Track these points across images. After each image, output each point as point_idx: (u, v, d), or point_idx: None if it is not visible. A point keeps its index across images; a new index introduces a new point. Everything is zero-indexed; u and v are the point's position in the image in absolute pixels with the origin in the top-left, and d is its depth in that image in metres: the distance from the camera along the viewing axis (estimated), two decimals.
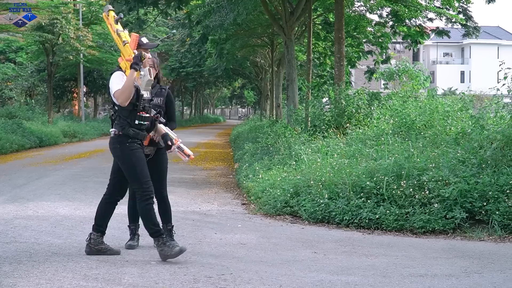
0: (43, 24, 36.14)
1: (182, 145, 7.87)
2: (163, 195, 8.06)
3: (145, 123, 7.43)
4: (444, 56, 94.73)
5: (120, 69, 7.44)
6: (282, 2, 23.08)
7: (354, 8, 25.88)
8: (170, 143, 7.67)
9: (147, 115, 7.46)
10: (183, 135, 44.00)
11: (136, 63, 7.14)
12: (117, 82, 7.26)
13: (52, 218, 10.29)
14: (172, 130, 7.95)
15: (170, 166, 8.39)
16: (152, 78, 7.50)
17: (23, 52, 49.36)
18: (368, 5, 25.17)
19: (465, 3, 21.84)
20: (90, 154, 24.20)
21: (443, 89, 55.17)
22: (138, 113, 7.33)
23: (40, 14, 36.07)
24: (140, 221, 7.77)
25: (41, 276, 6.53)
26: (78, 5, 42.33)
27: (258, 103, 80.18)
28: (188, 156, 7.91)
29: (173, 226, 8.06)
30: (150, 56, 7.65)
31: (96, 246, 7.53)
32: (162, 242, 7.32)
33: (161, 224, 7.72)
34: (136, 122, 7.32)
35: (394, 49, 64.20)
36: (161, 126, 7.77)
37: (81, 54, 39.58)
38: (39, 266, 6.94)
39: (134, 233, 8.14)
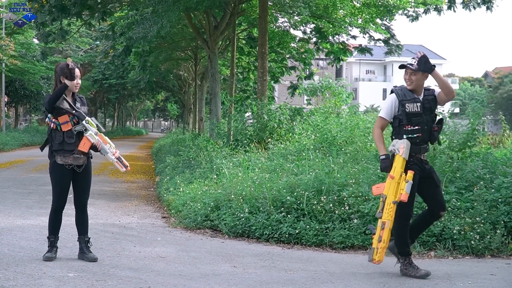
0: None
1: (120, 157, 8.12)
2: (85, 204, 8.16)
3: None
4: (366, 73, 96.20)
5: None
6: (207, 16, 23.15)
7: (278, 24, 26.09)
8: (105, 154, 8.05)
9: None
10: None
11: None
12: None
13: None
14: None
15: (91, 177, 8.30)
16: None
17: None
18: (292, 21, 25.41)
19: (388, 21, 22.21)
20: (10, 164, 23.73)
21: (365, 106, 56.02)
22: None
23: None
24: (60, 233, 7.75)
25: None
26: (1, 14, 41.63)
27: (181, 116, 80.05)
28: (126, 167, 8.11)
29: (89, 238, 8.19)
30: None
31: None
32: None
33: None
34: None
35: (317, 65, 64.87)
36: (103, 135, 8.00)
37: (3, 64, 38.92)
38: None
39: (53, 245, 7.97)
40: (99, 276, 7.19)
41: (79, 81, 7.90)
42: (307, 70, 30.77)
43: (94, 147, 7.89)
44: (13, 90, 50.82)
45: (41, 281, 6.83)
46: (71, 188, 8.07)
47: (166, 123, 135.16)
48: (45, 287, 6.59)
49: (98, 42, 54.86)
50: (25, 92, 51.27)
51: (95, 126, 7.86)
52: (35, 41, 52.57)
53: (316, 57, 29.73)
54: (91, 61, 61.25)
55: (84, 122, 7.79)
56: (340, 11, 22.11)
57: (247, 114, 20.94)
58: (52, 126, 7.81)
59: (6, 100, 48.83)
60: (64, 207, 7.98)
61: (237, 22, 23.56)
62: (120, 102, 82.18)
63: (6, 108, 50.28)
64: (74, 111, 7.80)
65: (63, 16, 21.28)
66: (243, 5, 22.72)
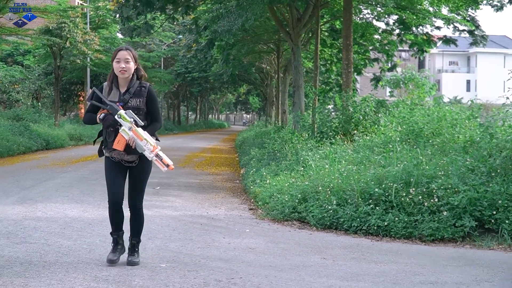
0: (51, 28, 36.28)
1: (161, 153, 7.08)
2: (135, 207, 7.50)
3: None
4: (450, 65, 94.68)
5: None
6: (290, 8, 23.15)
7: (361, 16, 25.92)
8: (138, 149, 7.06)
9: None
10: (187, 140, 44.29)
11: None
12: None
13: (61, 219, 10.31)
14: (155, 131, 7.35)
15: (176, 170, 8.43)
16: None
17: (31, 55, 49.56)
18: (375, 12, 25.20)
19: (473, 10, 21.82)
20: (96, 157, 24.09)
21: (448, 98, 55.22)
22: None
23: (48, 18, 36.23)
24: (149, 224, 7.74)
25: (52, 277, 6.54)
26: (85, 9, 42.42)
27: (263, 109, 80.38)
28: (168, 166, 7.06)
29: (139, 242, 7.54)
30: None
31: None
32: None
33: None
34: None
35: (400, 57, 64.17)
36: (139, 130, 7.01)
37: (88, 58, 39.69)
38: (49, 267, 6.96)
39: (116, 244, 7.44)
40: (190, 266, 7.29)
41: (123, 65, 7.08)
42: (390, 62, 30.46)
43: (128, 145, 7.05)
44: (98, 84, 51.56)
45: (133, 271, 6.95)
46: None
47: (248, 116, 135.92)
48: (138, 277, 6.70)
49: (181, 36, 55.58)
50: None
51: (129, 120, 6.94)
52: (119, 35, 53.43)
53: (399, 48, 29.38)
54: (174, 55, 62.04)
55: (116, 116, 6.98)
56: (425, 1, 21.84)
57: (329, 106, 20.89)
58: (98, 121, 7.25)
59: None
60: (118, 202, 7.25)
61: (320, 14, 23.47)
62: (203, 96, 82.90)
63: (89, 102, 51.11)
64: (107, 105, 7.06)
65: (147, 11, 21.64)
66: None
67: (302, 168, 13.36)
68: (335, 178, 11.09)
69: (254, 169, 16.25)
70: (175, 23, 46.52)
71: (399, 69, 35.02)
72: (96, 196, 13.24)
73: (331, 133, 16.66)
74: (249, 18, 18.47)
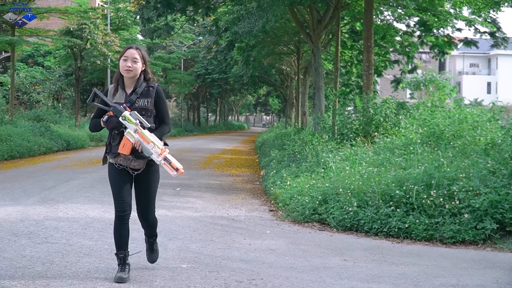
0: (71, 29, 36.52)
1: (169, 156, 6.54)
2: (147, 219, 6.96)
3: None
4: (470, 67, 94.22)
5: None
6: (310, 10, 23.16)
7: (382, 17, 25.88)
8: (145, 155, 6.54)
9: None
10: (207, 141, 44.40)
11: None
12: None
13: (82, 220, 10.38)
14: (164, 134, 6.78)
15: (197, 171, 8.44)
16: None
17: (51, 56, 49.82)
18: (396, 14, 25.15)
19: (495, 12, 21.71)
20: None
21: (469, 100, 54.96)
22: None
23: (69, 19, 36.47)
24: (169, 225, 7.70)
25: (74, 277, 6.58)
26: (106, 10, 42.62)
27: (283, 110, 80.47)
28: (177, 170, 6.51)
29: (156, 237, 7.19)
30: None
31: None
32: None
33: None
34: None
35: (420, 58, 64.03)
36: (145, 133, 6.50)
37: (109, 59, 39.82)
38: (71, 267, 7.00)
39: (123, 263, 6.71)
40: (211, 267, 7.31)
41: (129, 64, 6.63)
42: (410, 64, 30.36)
43: (135, 149, 6.54)
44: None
45: (155, 272, 6.99)
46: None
47: (268, 117, 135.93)
48: (159, 278, 6.73)
49: (201, 38, 55.64)
50: None
51: (134, 122, 6.42)
52: (139, 37, 53.63)
53: (419, 50, 29.29)
54: (194, 56, 62.15)
55: (120, 118, 6.46)
56: (446, 3, 21.77)
57: (349, 108, 20.87)
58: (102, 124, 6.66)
59: None
60: (125, 215, 6.61)
61: (340, 16, 23.46)
62: (222, 97, 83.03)
63: None
64: (110, 107, 6.55)
65: (168, 12, 21.74)
66: None
67: (323, 170, 13.35)
68: (355, 180, 11.09)
69: (274, 171, 16.26)
70: (195, 24, 46.53)
71: (419, 71, 34.83)
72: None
73: (351, 135, 16.65)
74: (270, 19, 18.49)
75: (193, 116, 79.07)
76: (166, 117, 6.84)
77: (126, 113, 6.44)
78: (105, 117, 6.56)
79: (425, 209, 9.81)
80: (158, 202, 7.99)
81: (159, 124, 6.79)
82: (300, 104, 36.24)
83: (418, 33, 25.41)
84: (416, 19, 24.56)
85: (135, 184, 6.81)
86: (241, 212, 12.09)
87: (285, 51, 38.14)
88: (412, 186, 10.16)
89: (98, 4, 51.99)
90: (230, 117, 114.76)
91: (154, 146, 6.44)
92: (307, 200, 11.30)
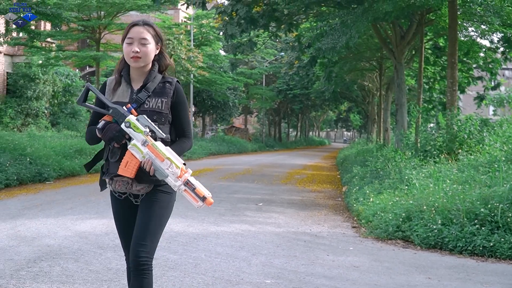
0: None
1: (192, 180, 4.35)
2: (140, 263, 4.40)
3: None
4: None
5: None
6: (393, 26, 23.12)
7: (465, 33, 25.63)
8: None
9: None
10: (289, 156, 44.52)
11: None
12: None
13: (167, 234, 10.51)
14: (184, 151, 4.69)
15: (278, 187, 8.50)
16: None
17: None
18: (479, 30, 24.88)
19: None
20: (199, 172, 24.54)
21: None
22: None
23: None
24: (250, 239, 7.76)
25: None
26: (189, 26, 43.22)
27: (364, 126, 79.96)
28: (204, 199, 4.31)
29: None
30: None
31: None
32: None
33: None
34: None
35: (503, 75, 62.98)
36: (158, 145, 4.37)
37: (192, 75, 40.32)
38: (156, 281, 7.13)
39: None
40: (295, 283, 7.37)
41: (136, 48, 4.50)
42: (494, 80, 29.95)
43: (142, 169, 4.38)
44: (201, 101, 52.50)
45: (239, 287, 7.07)
46: None
47: (349, 133, 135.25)
48: None
49: (283, 53, 55.88)
50: (212, 103, 52.96)
51: (143, 130, 4.33)
52: (222, 52, 54.17)
53: (503, 66, 28.89)
54: (276, 72, 62.42)
55: (122, 125, 4.38)
56: None
57: (431, 125, 20.71)
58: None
59: (194, 110, 50.55)
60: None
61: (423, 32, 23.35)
62: (304, 113, 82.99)
63: (193, 118, 52.03)
64: (109, 109, 4.48)
65: (251, 28, 21.98)
66: (431, 14, 22.50)
67: (406, 187, 13.29)
68: (440, 197, 11.00)
69: (357, 187, 16.22)
70: (277, 40, 46.83)
71: (502, 88, 34.38)
72: (200, 211, 13.40)
73: (435, 152, 16.52)
74: (353, 36, 18.51)
75: (274, 132, 79.32)
76: (187, 127, 4.71)
77: (131, 118, 4.38)
78: (101, 122, 4.50)
79: (511, 227, 9.68)
80: (240, 217, 8.06)
81: (176, 135, 4.69)
82: (382, 120, 36.07)
83: (501, 49, 25.10)
84: (500, 35, 24.26)
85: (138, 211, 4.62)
86: (323, 228, 12.11)
87: (367, 67, 38.07)
88: (497, 204, 10.04)
89: (182, 20, 52.74)
90: (311, 133, 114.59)
91: (171, 164, 4.31)
92: (390, 217, 11.26)
